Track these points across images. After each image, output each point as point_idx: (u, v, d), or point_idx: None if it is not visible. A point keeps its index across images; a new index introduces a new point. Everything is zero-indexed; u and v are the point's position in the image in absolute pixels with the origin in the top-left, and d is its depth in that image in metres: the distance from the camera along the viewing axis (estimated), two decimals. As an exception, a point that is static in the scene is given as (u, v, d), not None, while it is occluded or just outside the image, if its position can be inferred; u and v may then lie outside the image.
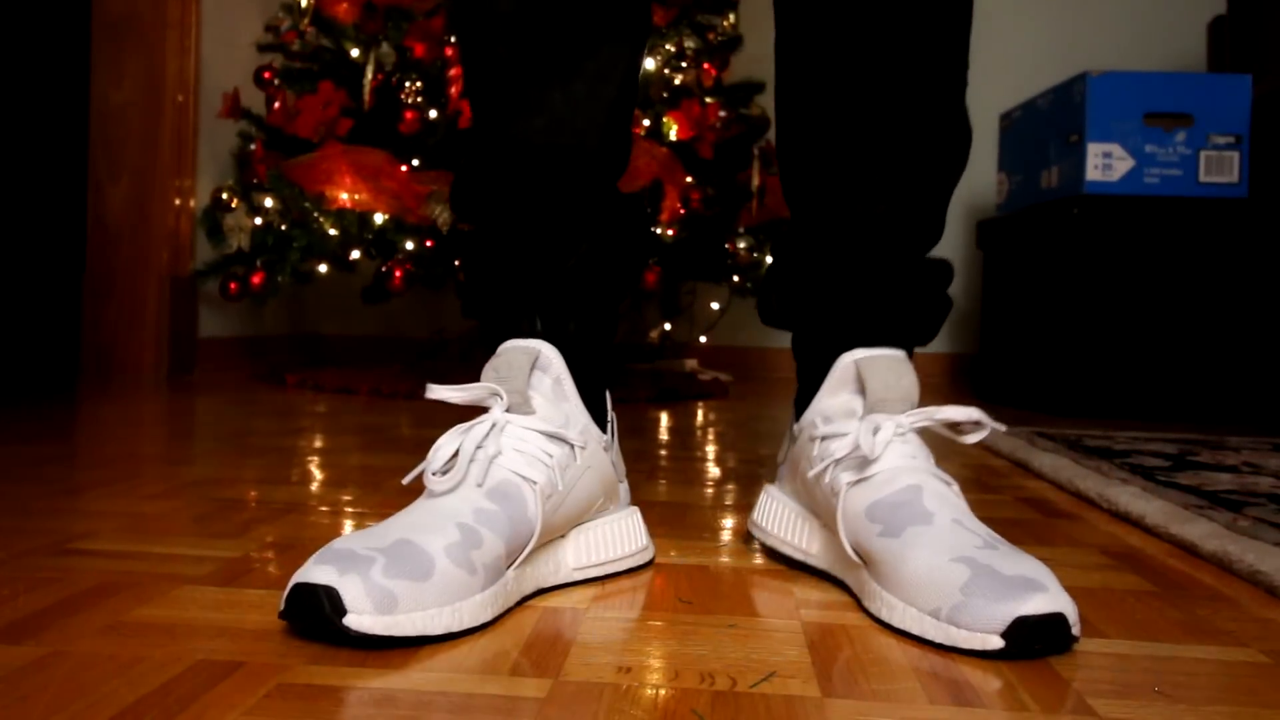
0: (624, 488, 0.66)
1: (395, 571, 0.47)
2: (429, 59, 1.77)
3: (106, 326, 1.91)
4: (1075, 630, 0.48)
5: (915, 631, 0.50)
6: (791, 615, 0.54)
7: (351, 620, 0.45)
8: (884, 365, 0.60)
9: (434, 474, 0.54)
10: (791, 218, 0.68)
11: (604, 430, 0.64)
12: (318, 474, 0.94)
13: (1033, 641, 0.46)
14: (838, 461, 0.58)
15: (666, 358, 2.29)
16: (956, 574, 0.49)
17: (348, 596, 0.45)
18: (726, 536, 0.73)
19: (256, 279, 1.76)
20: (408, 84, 1.77)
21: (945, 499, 0.55)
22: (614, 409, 0.67)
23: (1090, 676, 0.46)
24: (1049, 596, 0.47)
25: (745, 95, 2.04)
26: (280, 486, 0.87)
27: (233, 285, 1.77)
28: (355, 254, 1.82)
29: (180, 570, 0.59)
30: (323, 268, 1.88)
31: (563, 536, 0.60)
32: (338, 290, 2.44)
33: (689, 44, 1.86)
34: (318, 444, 1.13)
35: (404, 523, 0.51)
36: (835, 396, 0.62)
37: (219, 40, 2.05)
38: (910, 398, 0.59)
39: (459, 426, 0.56)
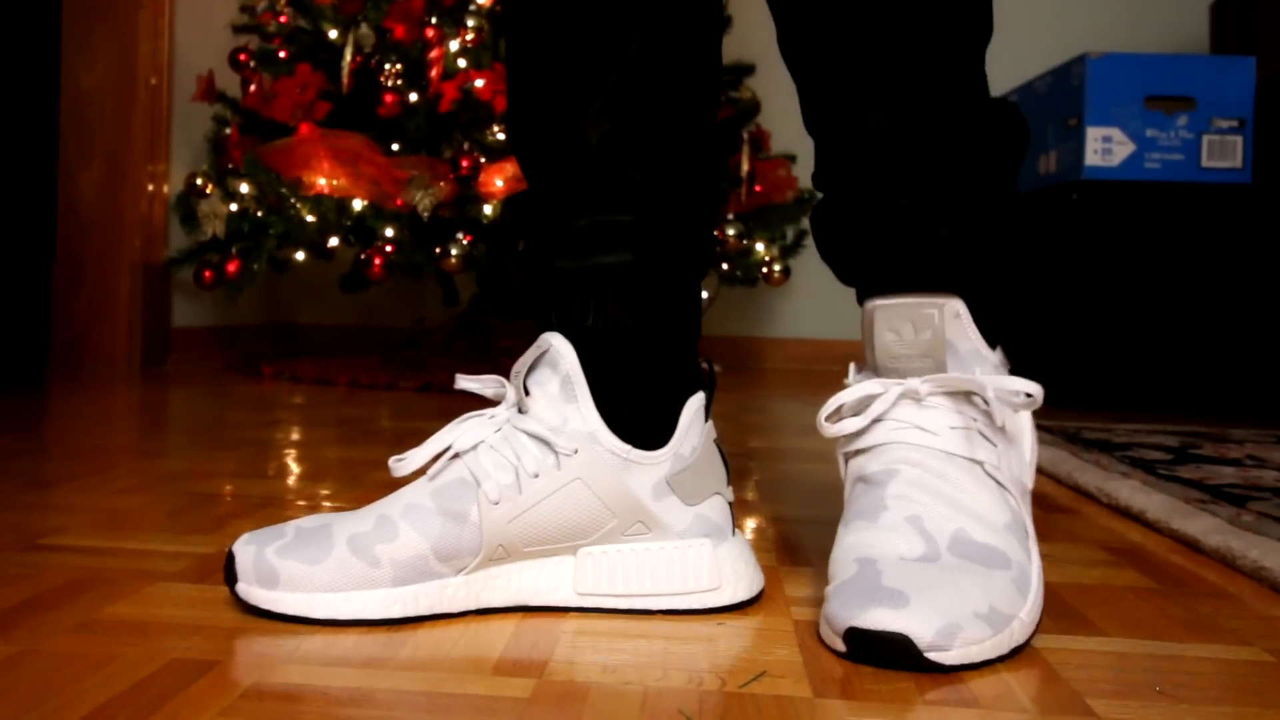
0: (707, 514, 0.54)
1: (290, 552, 0.50)
2: (409, 40, 1.75)
3: (77, 316, 1.88)
4: (943, 656, 0.44)
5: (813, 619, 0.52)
6: (782, 613, 0.53)
7: (240, 588, 0.50)
8: (897, 315, 0.53)
9: (397, 460, 0.53)
10: (815, 150, 0.60)
11: (644, 443, 0.53)
12: (295, 467, 0.93)
13: (870, 654, 0.45)
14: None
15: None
16: (843, 571, 0.49)
17: (239, 566, 0.50)
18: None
19: (232, 267, 1.74)
20: (387, 66, 1.74)
21: (921, 490, 0.50)
22: (711, 422, 0.57)
23: (1090, 676, 0.45)
24: (900, 614, 0.44)
25: (735, 78, 2.03)
26: (256, 480, 0.86)
27: (207, 273, 1.74)
28: (333, 241, 1.80)
29: (153, 567, 0.58)
30: (300, 255, 1.86)
31: (571, 554, 0.53)
32: (315, 278, 2.42)
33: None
34: (295, 436, 1.12)
35: (349, 510, 0.53)
36: (867, 350, 0.56)
37: (193, 22, 2.01)
38: (934, 354, 0.52)
39: (469, 414, 0.55)
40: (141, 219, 1.89)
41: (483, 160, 1.64)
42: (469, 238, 1.70)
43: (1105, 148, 1.62)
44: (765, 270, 1.99)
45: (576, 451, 0.52)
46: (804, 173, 2.22)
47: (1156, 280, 1.62)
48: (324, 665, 0.44)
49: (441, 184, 1.64)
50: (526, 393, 0.53)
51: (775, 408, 1.52)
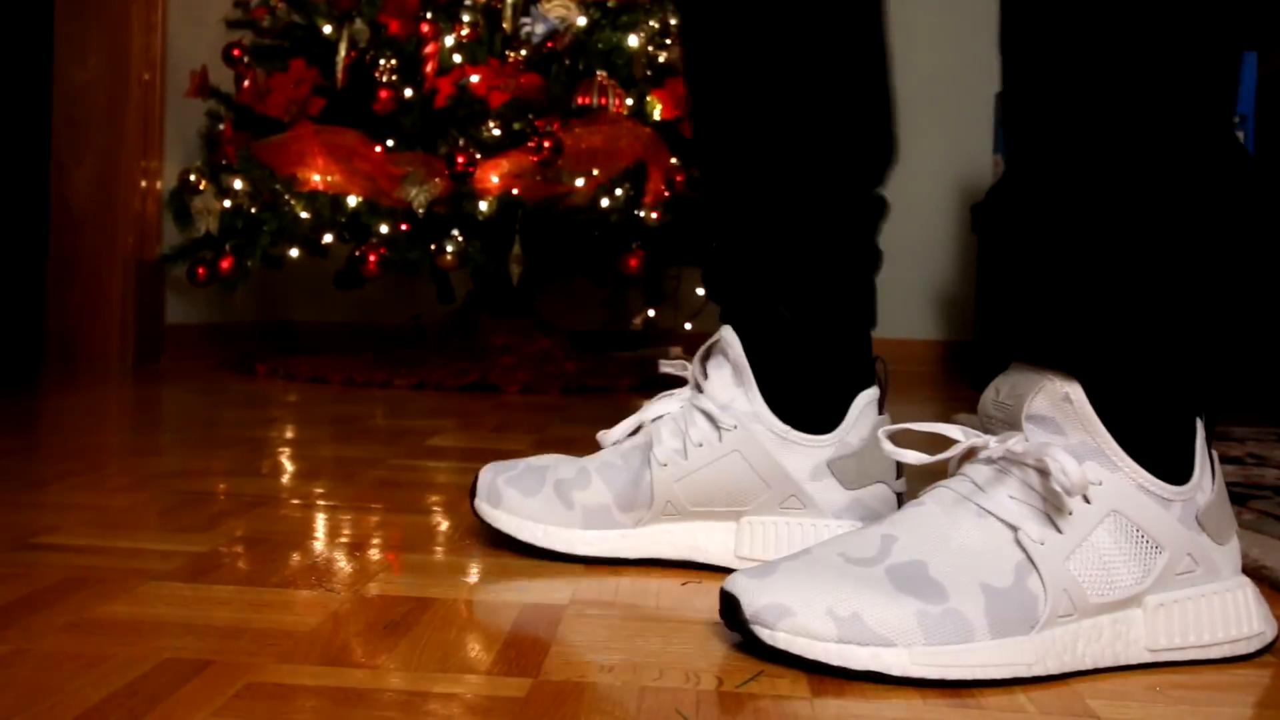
0: (865, 500, 0.59)
1: (515, 482, 0.62)
2: (404, 35, 1.74)
3: (70, 313, 1.87)
4: (765, 633, 0.44)
5: None
6: (781, 611, 0.53)
7: (477, 503, 0.63)
8: (1004, 375, 0.51)
9: (603, 434, 0.64)
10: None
11: (808, 427, 0.59)
12: (289, 465, 0.92)
13: (722, 610, 0.47)
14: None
15: (650, 345, 2.28)
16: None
17: (480, 484, 0.63)
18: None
19: (225, 264, 1.73)
20: (382, 62, 1.74)
21: (924, 524, 0.48)
22: (886, 415, 0.61)
23: (1089, 675, 0.45)
24: (753, 582, 0.45)
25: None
26: (250, 479, 0.85)
27: (201, 270, 1.74)
28: (328, 238, 1.79)
29: (146, 565, 0.58)
30: (294, 252, 1.85)
31: (734, 519, 0.60)
32: (309, 275, 2.41)
33: (674, 20, 1.83)
34: (289, 434, 1.11)
35: (569, 457, 0.64)
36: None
37: (186, 16, 2.00)
38: (1014, 424, 0.49)
39: (663, 393, 0.64)
40: (134, 215, 1.88)
41: (478, 156, 1.64)
42: (464, 235, 1.69)
43: (1106, 144, 1.62)
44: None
45: (735, 427, 0.59)
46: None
47: (1153, 278, 1.61)
48: (317, 664, 0.43)
49: (436, 180, 1.64)
50: (705, 375, 0.61)
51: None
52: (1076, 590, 0.45)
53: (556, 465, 0.63)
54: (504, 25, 1.76)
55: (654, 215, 1.75)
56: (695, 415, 0.60)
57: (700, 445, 0.59)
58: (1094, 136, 0.47)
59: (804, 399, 0.60)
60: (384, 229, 1.71)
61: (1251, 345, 1.61)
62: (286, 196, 1.69)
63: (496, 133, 1.69)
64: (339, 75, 1.77)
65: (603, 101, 1.70)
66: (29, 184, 1.83)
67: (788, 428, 0.59)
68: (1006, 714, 0.40)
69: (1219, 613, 0.48)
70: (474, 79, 1.67)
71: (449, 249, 1.67)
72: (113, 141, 1.87)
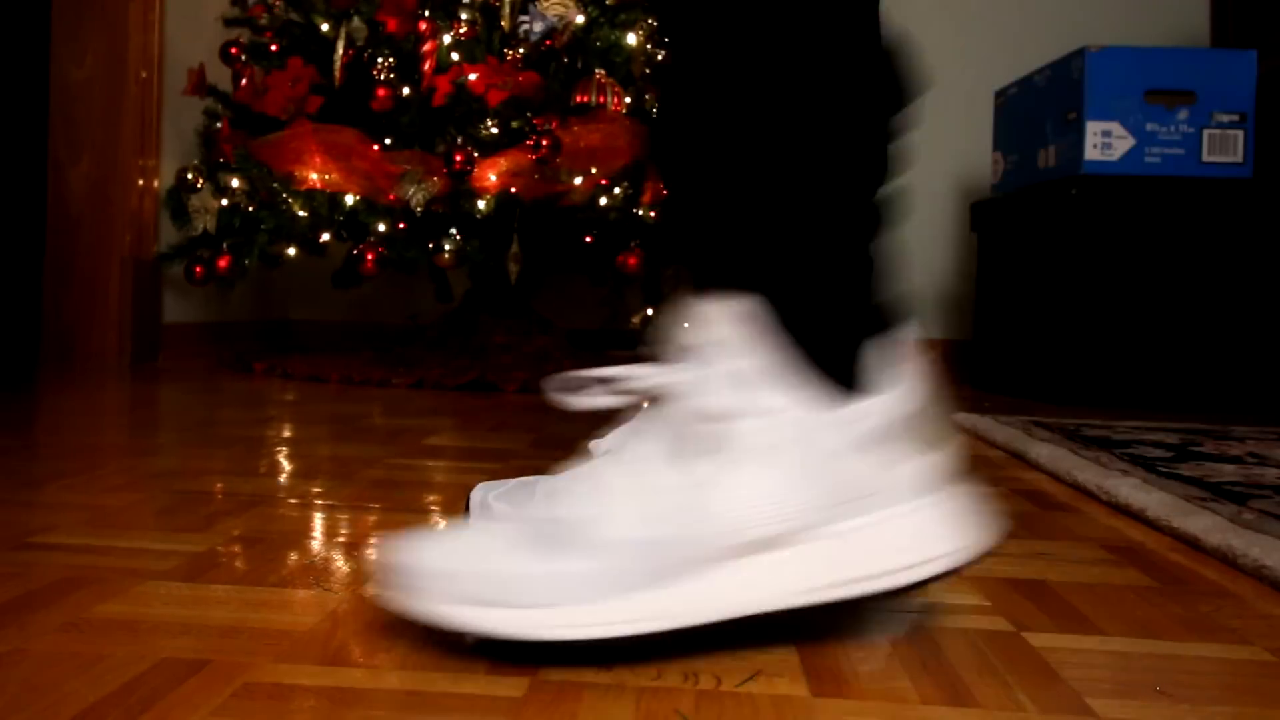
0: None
1: (504, 498, 0.54)
2: (402, 34, 1.74)
3: (67, 312, 1.86)
4: (408, 597, 0.44)
5: None
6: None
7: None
8: None
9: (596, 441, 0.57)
10: None
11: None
12: (286, 465, 0.92)
13: None
14: None
15: (649, 345, 2.28)
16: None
17: (472, 503, 0.56)
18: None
19: (223, 262, 1.73)
20: (380, 60, 1.73)
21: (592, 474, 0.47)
22: None
23: (1089, 675, 0.45)
24: (413, 547, 0.45)
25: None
26: (247, 478, 0.85)
27: (198, 269, 1.73)
28: (325, 236, 1.79)
29: (143, 565, 0.58)
30: (292, 251, 1.85)
31: None
32: (307, 274, 2.41)
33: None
34: (286, 434, 1.11)
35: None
36: None
37: (184, 14, 2.00)
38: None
39: None
40: (132, 214, 1.88)
41: (476, 155, 1.64)
42: (461, 233, 1.69)
43: (1105, 142, 1.62)
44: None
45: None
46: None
47: (1156, 276, 1.61)
48: (315, 664, 0.43)
49: (434, 179, 1.64)
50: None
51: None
52: (731, 530, 0.43)
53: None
54: (502, 23, 1.76)
55: (652, 214, 1.75)
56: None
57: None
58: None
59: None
60: (382, 227, 1.71)
61: (1251, 345, 1.62)
62: (284, 195, 1.68)
63: (494, 131, 1.68)
64: (337, 73, 1.77)
65: (601, 100, 1.70)
66: (26, 183, 1.82)
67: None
68: (1006, 714, 0.40)
69: (890, 540, 0.45)
70: (472, 77, 1.67)
71: (447, 247, 1.67)
72: (110, 140, 1.86)
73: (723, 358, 0.45)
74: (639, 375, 0.46)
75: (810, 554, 0.44)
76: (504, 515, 0.48)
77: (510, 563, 0.43)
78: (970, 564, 0.48)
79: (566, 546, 0.43)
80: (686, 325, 0.47)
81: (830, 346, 0.47)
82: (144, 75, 1.88)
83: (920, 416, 0.47)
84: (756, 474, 0.44)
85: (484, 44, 1.75)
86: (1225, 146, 1.61)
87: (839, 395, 0.46)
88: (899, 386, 0.46)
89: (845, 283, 0.48)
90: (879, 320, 0.48)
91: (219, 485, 0.81)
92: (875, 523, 0.45)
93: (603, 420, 0.64)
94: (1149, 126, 1.61)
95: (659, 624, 0.43)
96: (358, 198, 1.70)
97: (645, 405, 0.47)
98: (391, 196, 1.66)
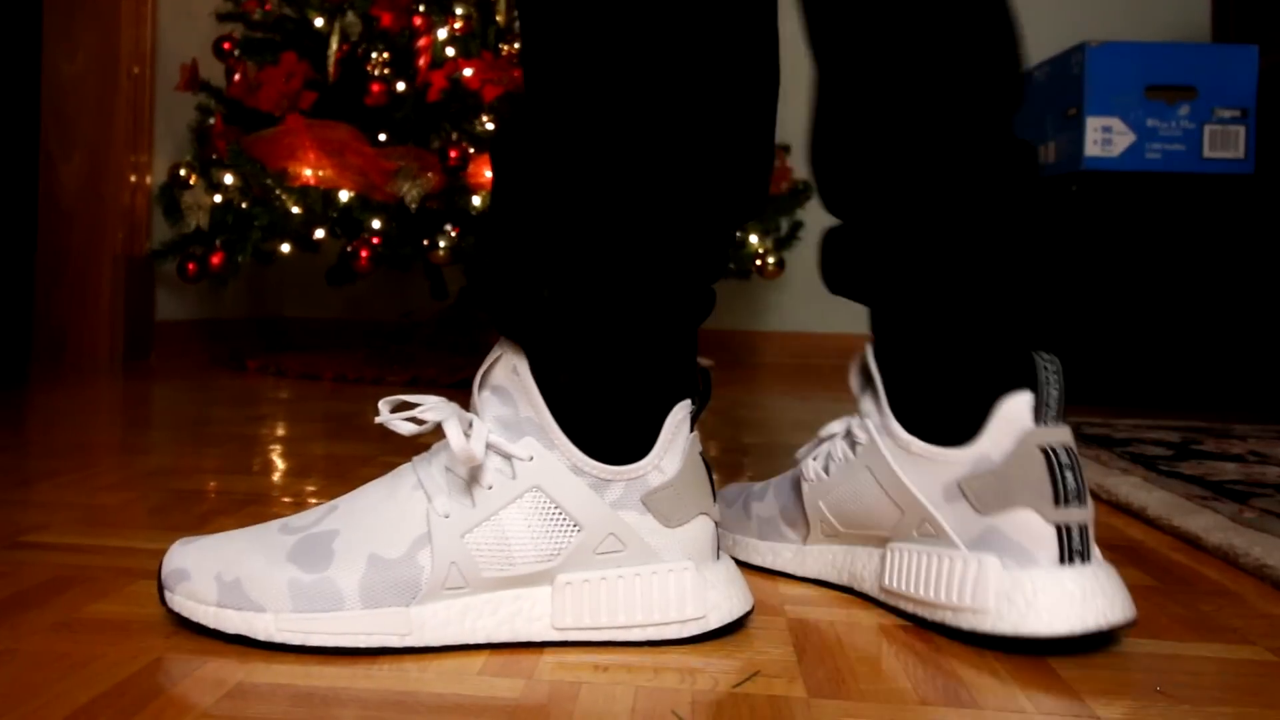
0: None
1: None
2: (396, 29, 1.73)
3: (59, 309, 1.86)
4: (169, 597, 0.47)
5: None
6: (776, 612, 0.53)
7: None
8: None
9: None
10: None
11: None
12: (280, 463, 0.92)
13: None
14: None
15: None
16: None
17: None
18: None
19: (216, 259, 1.72)
20: (374, 55, 1.73)
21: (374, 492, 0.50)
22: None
23: (1089, 675, 0.45)
24: (179, 549, 0.48)
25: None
26: (241, 476, 0.85)
27: (191, 266, 1.72)
28: (319, 233, 1.78)
29: (136, 564, 0.57)
30: (285, 247, 1.84)
31: (882, 545, 0.57)
32: (301, 271, 2.40)
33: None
34: (280, 432, 1.11)
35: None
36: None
37: (176, 9, 1.99)
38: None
39: None
40: (124, 210, 1.87)
41: (471, 151, 1.63)
42: (457, 230, 1.68)
43: (1105, 138, 1.61)
44: (759, 263, 1.99)
45: (867, 441, 0.54)
46: (798, 163, 2.21)
47: (1158, 273, 1.61)
48: (309, 664, 0.43)
49: (429, 175, 1.63)
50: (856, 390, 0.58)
51: (769, 403, 1.52)
52: (469, 564, 0.46)
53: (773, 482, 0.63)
54: (497, 18, 1.75)
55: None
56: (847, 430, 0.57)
57: (840, 461, 0.55)
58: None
59: (934, 404, 0.51)
60: (376, 224, 1.70)
61: (1253, 343, 1.62)
62: (278, 191, 1.68)
63: (490, 126, 1.68)
64: (331, 69, 1.76)
65: (596, 96, 1.69)
66: (17, 179, 1.81)
67: (911, 438, 0.51)
68: (1006, 714, 0.40)
69: (640, 594, 0.47)
70: (467, 72, 1.66)
71: (442, 244, 1.66)
72: (102, 136, 1.85)
73: (516, 403, 0.48)
74: (429, 407, 0.48)
75: (559, 595, 0.47)
76: (282, 525, 0.50)
77: (269, 570, 0.46)
78: (729, 629, 0.49)
79: (325, 558, 0.46)
80: (488, 364, 0.49)
81: (613, 407, 0.48)
82: (136, 70, 1.87)
83: (689, 486, 0.49)
84: (523, 518, 0.47)
85: (479, 39, 1.74)
86: (1226, 142, 1.61)
87: (620, 454, 0.48)
88: (673, 453, 0.48)
89: (643, 350, 0.49)
90: (669, 388, 0.49)
91: (212, 484, 0.81)
92: (627, 575, 0.47)
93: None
94: (1149, 122, 1.61)
95: (398, 640, 0.45)
96: (352, 194, 1.69)
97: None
98: (386, 193, 1.66)
